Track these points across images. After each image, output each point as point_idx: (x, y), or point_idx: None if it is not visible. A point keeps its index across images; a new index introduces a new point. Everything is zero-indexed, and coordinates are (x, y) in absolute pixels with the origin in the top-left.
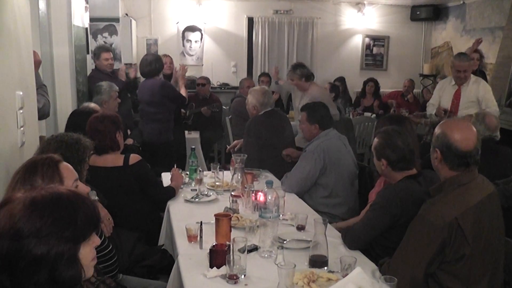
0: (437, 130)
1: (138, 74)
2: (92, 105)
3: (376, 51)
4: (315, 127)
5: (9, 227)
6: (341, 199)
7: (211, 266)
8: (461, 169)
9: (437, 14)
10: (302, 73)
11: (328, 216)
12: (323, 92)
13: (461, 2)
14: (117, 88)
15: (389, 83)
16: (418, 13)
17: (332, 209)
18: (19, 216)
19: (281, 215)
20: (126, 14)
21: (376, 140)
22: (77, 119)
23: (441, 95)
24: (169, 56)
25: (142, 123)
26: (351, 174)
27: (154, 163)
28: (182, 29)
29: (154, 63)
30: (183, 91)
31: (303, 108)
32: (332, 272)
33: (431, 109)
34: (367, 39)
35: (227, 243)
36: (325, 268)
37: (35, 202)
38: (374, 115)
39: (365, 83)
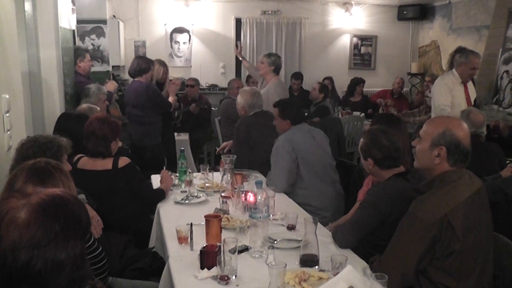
0: (436, 128)
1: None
2: (92, 106)
3: (364, 51)
4: (287, 123)
5: (28, 237)
6: (318, 191)
7: (202, 268)
8: (461, 165)
9: (424, 13)
10: (274, 62)
11: (308, 208)
12: (280, 88)
13: (447, 1)
14: (105, 90)
15: (377, 83)
16: (405, 12)
17: (311, 200)
18: (33, 225)
19: (271, 215)
20: (114, 16)
21: (361, 140)
22: (65, 122)
23: (453, 95)
24: (165, 66)
25: (129, 125)
26: (324, 165)
27: (143, 166)
28: (170, 30)
29: (135, 64)
30: (171, 100)
31: (275, 104)
32: (323, 271)
33: (447, 113)
34: (355, 39)
35: (218, 244)
36: (316, 267)
37: (43, 208)
38: (363, 114)
39: (356, 83)
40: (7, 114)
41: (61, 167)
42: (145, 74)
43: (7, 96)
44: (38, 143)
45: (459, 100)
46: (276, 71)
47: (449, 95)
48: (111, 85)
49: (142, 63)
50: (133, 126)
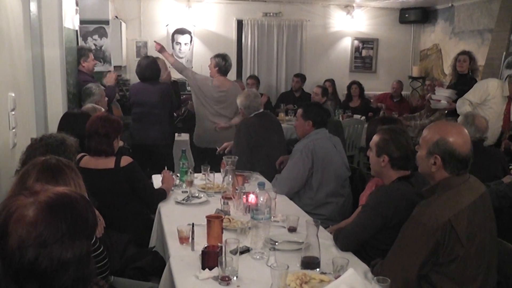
0: (432, 136)
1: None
2: (96, 106)
3: (365, 54)
4: (308, 124)
5: (35, 235)
6: (327, 199)
7: (203, 268)
8: (461, 172)
9: (426, 16)
10: (218, 63)
11: (315, 216)
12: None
13: (450, 4)
14: (102, 87)
15: (378, 86)
16: (407, 15)
17: (318, 210)
18: (40, 223)
19: (272, 217)
20: (116, 17)
21: (378, 136)
22: (69, 121)
23: (489, 99)
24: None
25: (139, 126)
26: (340, 176)
27: (144, 165)
28: (171, 31)
29: (150, 69)
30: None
31: (300, 105)
32: (325, 273)
33: (464, 107)
34: (356, 42)
35: (219, 244)
36: (317, 269)
37: (51, 207)
38: (363, 117)
39: (348, 86)
40: (13, 112)
41: (71, 164)
42: (160, 76)
43: (13, 95)
44: (51, 146)
45: (493, 111)
46: (220, 72)
47: (482, 96)
48: (112, 76)
49: (155, 67)
50: (147, 126)
